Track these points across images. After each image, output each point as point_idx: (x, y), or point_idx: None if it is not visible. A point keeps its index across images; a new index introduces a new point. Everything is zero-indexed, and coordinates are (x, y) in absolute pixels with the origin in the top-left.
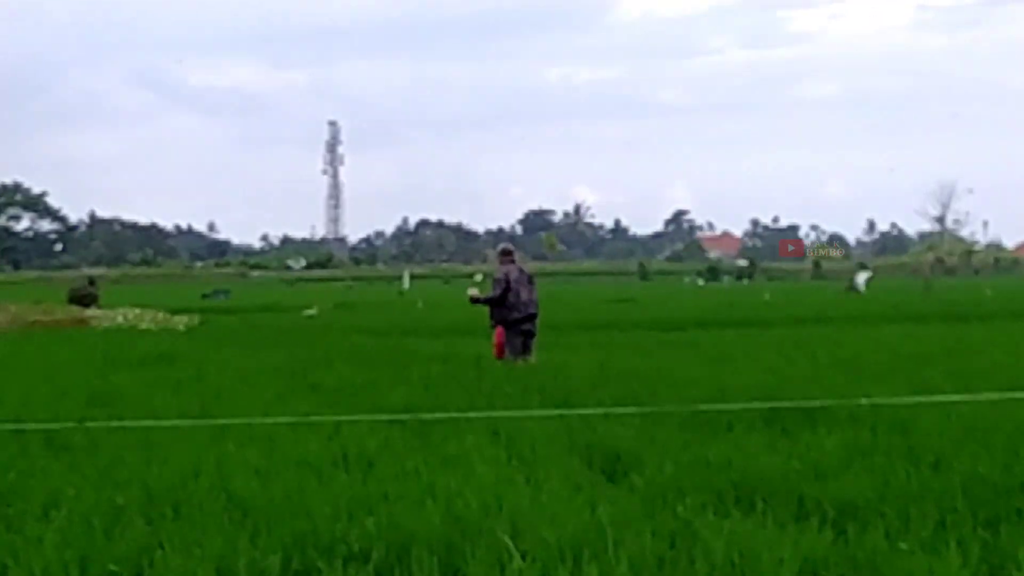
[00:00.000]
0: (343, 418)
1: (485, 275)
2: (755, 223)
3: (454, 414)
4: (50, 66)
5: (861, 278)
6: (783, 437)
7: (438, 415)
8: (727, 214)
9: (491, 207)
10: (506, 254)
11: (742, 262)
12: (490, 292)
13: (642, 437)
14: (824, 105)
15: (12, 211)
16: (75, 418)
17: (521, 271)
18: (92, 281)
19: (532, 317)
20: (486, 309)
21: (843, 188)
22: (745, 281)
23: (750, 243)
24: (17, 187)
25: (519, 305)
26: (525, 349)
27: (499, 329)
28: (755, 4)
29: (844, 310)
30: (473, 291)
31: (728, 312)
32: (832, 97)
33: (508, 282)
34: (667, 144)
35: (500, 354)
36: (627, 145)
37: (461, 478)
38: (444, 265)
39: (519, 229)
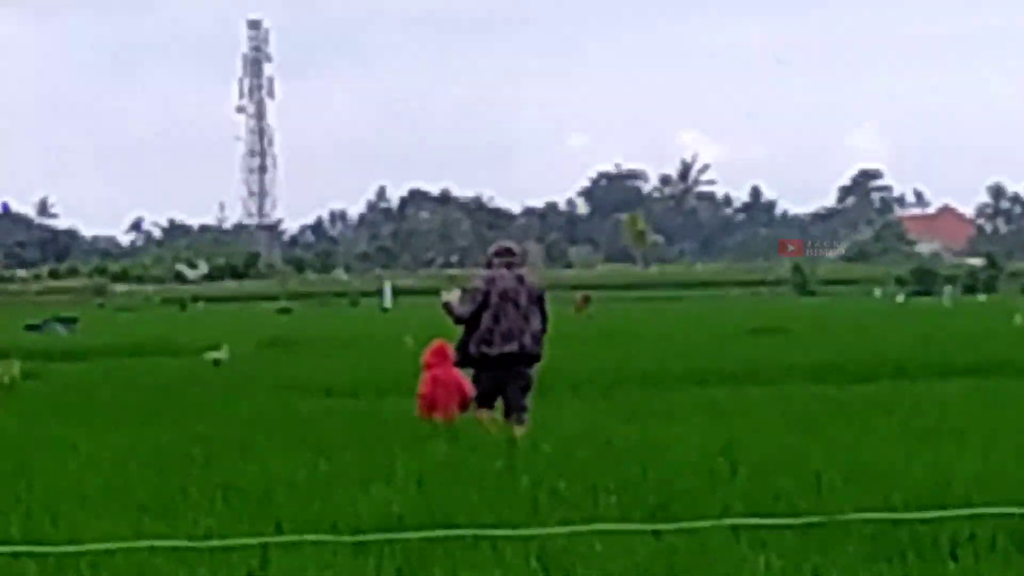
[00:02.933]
0: (273, 539)
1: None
2: (997, 193)
3: (469, 531)
4: None
5: None
6: None
7: (440, 532)
8: (948, 180)
9: (533, 169)
10: (502, 255)
11: (975, 261)
12: (462, 306)
13: (799, 571)
14: None
15: None
16: None
17: (520, 282)
18: None
19: (522, 358)
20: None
21: None
22: (980, 295)
23: (988, 227)
24: None
25: (496, 335)
26: (511, 406)
27: (431, 372)
28: None
29: None
30: (452, 295)
31: (951, 350)
32: None
33: (487, 295)
34: (840, 60)
35: (427, 410)
36: (771, 60)
37: None
38: (452, 272)
39: (582, 205)
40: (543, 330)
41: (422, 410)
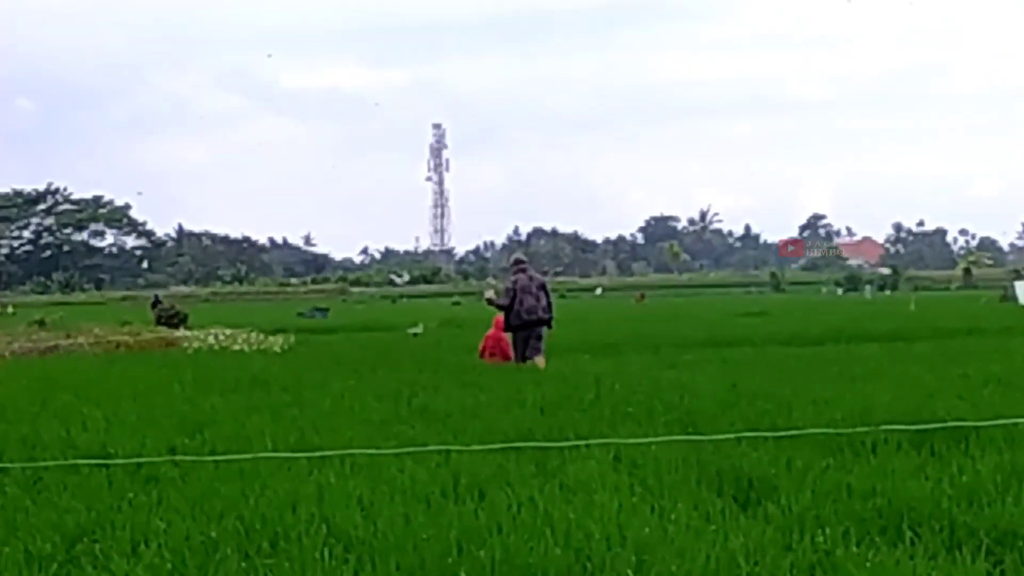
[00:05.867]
0: (453, 448)
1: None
2: (898, 228)
3: (573, 441)
4: (131, 69)
5: (1020, 287)
6: (933, 461)
7: (555, 443)
8: (867, 219)
9: (609, 214)
10: (517, 263)
11: (884, 270)
12: (501, 299)
13: (777, 463)
14: (972, 100)
15: (95, 227)
16: (164, 447)
17: (531, 279)
18: (158, 300)
19: (535, 323)
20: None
21: (995, 189)
22: (888, 291)
23: (893, 249)
24: (98, 200)
25: (521, 312)
26: (532, 352)
27: (489, 334)
28: None
29: (999, 322)
30: (490, 293)
31: (870, 325)
32: (980, 91)
33: (515, 291)
34: (801, 143)
35: (487, 355)
36: (758, 144)
37: (581, 508)
38: (560, 279)
39: (640, 237)
40: (549, 304)
41: (482, 354)
